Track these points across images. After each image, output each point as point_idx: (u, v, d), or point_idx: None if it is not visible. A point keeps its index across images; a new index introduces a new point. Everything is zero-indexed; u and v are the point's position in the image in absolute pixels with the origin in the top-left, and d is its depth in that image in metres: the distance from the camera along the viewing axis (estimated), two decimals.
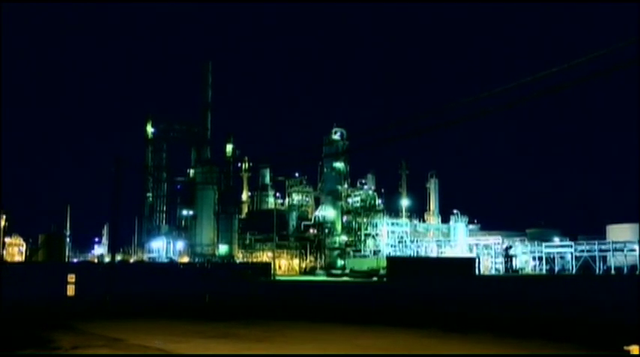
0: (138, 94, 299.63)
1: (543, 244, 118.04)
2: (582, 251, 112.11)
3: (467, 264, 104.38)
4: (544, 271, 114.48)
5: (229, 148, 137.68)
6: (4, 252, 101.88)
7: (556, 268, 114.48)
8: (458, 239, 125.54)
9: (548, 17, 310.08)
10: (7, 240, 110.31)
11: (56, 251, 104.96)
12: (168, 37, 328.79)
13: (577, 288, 60.80)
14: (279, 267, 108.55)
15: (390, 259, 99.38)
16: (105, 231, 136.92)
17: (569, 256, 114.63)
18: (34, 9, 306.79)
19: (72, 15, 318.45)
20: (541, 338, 20.57)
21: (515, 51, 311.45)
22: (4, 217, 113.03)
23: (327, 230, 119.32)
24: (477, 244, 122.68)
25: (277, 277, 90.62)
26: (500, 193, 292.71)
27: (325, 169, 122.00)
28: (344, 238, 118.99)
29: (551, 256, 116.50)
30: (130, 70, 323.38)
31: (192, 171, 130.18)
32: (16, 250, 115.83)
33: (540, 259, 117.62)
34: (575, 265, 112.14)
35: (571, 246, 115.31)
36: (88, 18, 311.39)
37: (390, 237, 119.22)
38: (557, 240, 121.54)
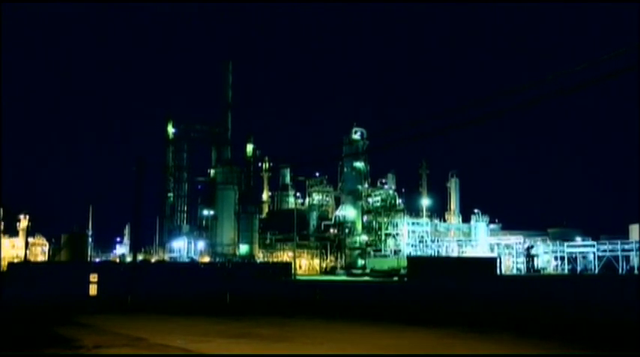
0: (159, 95, 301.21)
1: (565, 243, 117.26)
2: (605, 251, 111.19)
3: (488, 264, 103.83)
4: (566, 271, 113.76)
5: (250, 148, 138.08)
6: (28, 252, 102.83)
7: (578, 268, 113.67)
8: (479, 239, 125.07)
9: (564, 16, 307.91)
10: (30, 240, 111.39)
11: (78, 251, 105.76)
12: (189, 37, 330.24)
13: (599, 288, 60.31)
14: (300, 267, 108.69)
15: (411, 259, 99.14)
16: (127, 231, 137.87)
17: (591, 256, 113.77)
18: (58, 9, 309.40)
19: (92, 15, 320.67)
20: (562, 339, 20.44)
21: (533, 48, 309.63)
22: (27, 217, 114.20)
23: (347, 230, 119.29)
24: (498, 244, 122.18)
25: (298, 277, 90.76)
26: (521, 192, 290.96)
27: (345, 169, 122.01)
28: (364, 237, 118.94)
29: (574, 255, 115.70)
30: (151, 70, 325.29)
31: (212, 171, 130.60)
32: (39, 249, 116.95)
33: (562, 258, 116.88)
34: (598, 265, 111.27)
35: (593, 245, 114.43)
36: (108, 18, 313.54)
37: (411, 237, 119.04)
38: (579, 239, 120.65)
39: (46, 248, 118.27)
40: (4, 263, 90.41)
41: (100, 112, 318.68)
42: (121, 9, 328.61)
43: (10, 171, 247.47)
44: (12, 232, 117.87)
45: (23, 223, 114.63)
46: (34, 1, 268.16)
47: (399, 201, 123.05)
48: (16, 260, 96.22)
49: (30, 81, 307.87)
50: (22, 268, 79.03)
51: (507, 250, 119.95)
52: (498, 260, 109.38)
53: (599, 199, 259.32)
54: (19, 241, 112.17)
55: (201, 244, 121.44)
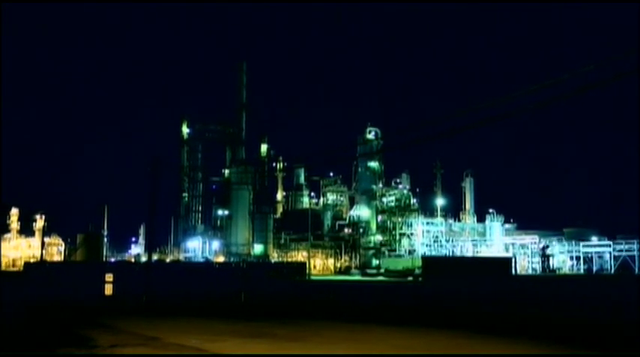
0: (173, 95, 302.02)
1: (581, 243, 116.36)
2: (621, 251, 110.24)
3: (503, 264, 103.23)
4: (582, 271, 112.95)
5: (264, 148, 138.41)
6: (44, 252, 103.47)
7: (594, 268, 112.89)
8: (494, 239, 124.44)
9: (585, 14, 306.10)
10: (47, 240, 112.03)
11: (94, 251, 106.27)
12: (204, 37, 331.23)
13: (616, 288, 59.92)
14: (314, 266, 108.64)
15: (425, 259, 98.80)
16: (142, 231, 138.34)
17: (607, 256, 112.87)
18: (75, 8, 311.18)
19: (108, 15, 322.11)
20: (574, 341, 20.35)
21: (545, 46, 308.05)
22: (43, 217, 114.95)
23: (361, 230, 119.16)
24: (513, 244, 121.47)
25: (312, 277, 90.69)
26: (537, 191, 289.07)
27: (360, 169, 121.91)
28: (379, 237, 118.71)
29: (589, 255, 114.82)
30: (166, 70, 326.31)
31: (227, 171, 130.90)
32: (55, 249, 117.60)
33: (578, 258, 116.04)
34: (614, 265, 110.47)
35: (609, 245, 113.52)
36: (123, 18, 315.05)
37: (425, 236, 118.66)
38: (595, 239, 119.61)
39: (62, 248, 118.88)
40: (21, 263, 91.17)
41: (115, 112, 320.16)
42: (136, 9, 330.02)
43: (26, 171, 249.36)
44: (28, 232, 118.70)
45: (39, 223, 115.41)
46: (53, 1, 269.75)
47: (413, 201, 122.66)
48: (32, 260, 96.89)
49: (45, 81, 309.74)
50: (39, 267, 79.48)
51: (522, 249, 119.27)
52: (513, 260, 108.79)
53: (615, 198, 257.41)
54: (36, 241, 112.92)
55: (215, 244, 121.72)
